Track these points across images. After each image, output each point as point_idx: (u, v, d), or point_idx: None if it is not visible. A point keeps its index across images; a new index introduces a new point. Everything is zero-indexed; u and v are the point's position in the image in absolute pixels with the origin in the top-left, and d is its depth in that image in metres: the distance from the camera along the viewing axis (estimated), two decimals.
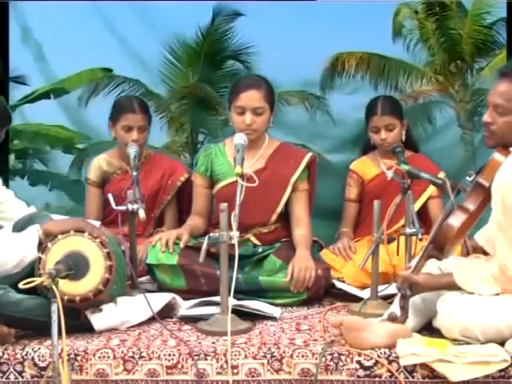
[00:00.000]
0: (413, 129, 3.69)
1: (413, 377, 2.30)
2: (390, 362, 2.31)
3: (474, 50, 8.53)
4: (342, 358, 2.34)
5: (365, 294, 3.02)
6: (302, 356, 2.36)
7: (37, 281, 2.20)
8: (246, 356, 2.37)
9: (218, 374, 2.36)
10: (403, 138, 3.49)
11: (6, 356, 2.40)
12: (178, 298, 2.90)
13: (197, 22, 7.81)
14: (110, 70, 7.76)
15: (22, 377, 2.39)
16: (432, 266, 2.53)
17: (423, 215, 3.40)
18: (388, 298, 2.85)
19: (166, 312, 2.82)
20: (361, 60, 7.66)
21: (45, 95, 7.59)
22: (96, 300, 2.56)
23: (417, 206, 3.29)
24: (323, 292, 3.13)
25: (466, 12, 8.65)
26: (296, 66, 7.10)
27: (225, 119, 7.81)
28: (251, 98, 3.15)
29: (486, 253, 2.61)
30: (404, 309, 2.43)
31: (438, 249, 2.44)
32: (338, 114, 7.52)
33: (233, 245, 2.54)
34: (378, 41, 7.59)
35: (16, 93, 7.53)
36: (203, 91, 7.90)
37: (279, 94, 7.53)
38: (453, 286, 2.41)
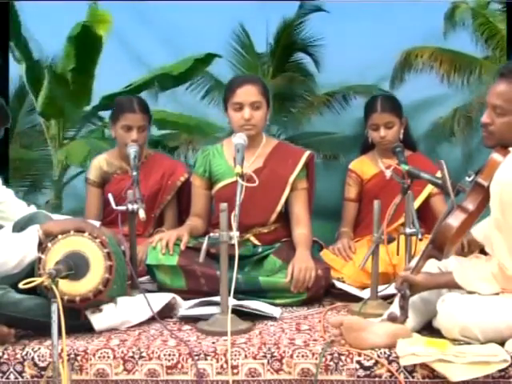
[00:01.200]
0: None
1: (413, 377, 2.31)
2: (390, 362, 2.31)
3: None
4: (342, 357, 2.34)
5: (365, 293, 3.02)
6: (302, 356, 2.36)
7: (37, 281, 2.20)
8: (246, 356, 2.37)
9: (218, 373, 2.36)
10: (401, 136, 3.49)
11: (6, 356, 2.40)
12: (178, 298, 2.90)
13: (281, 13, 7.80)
14: (219, 56, 7.76)
15: (22, 377, 2.39)
16: (432, 266, 2.53)
17: (423, 214, 3.40)
18: (388, 298, 2.86)
19: (166, 312, 2.82)
20: (433, 55, 7.63)
21: (149, 85, 7.49)
22: (96, 300, 2.56)
23: (416, 204, 3.28)
24: (323, 292, 3.14)
25: None
26: (365, 61, 7.12)
27: (296, 112, 7.84)
28: (248, 92, 3.15)
29: (484, 252, 2.61)
30: (404, 309, 2.44)
31: (438, 249, 2.44)
32: (408, 109, 7.51)
33: (233, 245, 2.55)
34: (448, 37, 7.60)
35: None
36: (278, 84, 7.95)
37: (348, 88, 7.55)
38: (452, 285, 2.42)
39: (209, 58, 7.27)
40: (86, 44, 6.63)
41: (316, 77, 7.91)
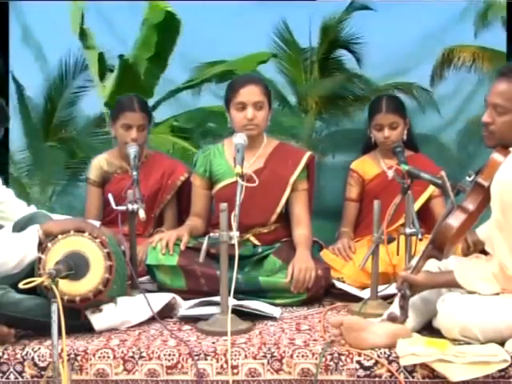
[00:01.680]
0: None
1: (413, 377, 2.31)
2: (390, 362, 2.31)
3: None
4: (342, 357, 2.34)
5: (365, 293, 3.02)
6: (302, 356, 2.36)
7: (37, 281, 2.21)
8: (246, 356, 2.37)
9: (218, 373, 2.36)
10: (405, 137, 3.49)
11: (6, 356, 2.40)
12: (178, 298, 2.90)
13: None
14: (275, 56, 7.83)
15: (22, 377, 2.39)
16: (432, 266, 2.53)
17: (424, 215, 3.40)
18: (388, 298, 2.85)
19: (166, 312, 2.82)
20: (474, 53, 7.57)
21: (208, 80, 7.54)
22: (96, 300, 2.56)
23: (417, 205, 3.29)
24: (323, 292, 3.13)
25: None
26: (406, 58, 7.14)
27: (339, 109, 7.85)
28: (251, 92, 3.15)
29: (485, 252, 2.61)
30: (404, 309, 2.44)
31: (438, 249, 2.44)
32: (446, 106, 7.47)
33: (233, 245, 2.54)
34: (481, 35, 7.62)
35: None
36: (323, 81, 7.99)
37: (389, 85, 7.56)
38: (453, 284, 2.42)
39: (267, 57, 7.37)
40: (167, 31, 6.71)
41: (358, 74, 7.94)
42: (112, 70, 7.56)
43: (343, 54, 8.31)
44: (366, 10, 7.69)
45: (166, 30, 6.73)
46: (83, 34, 7.30)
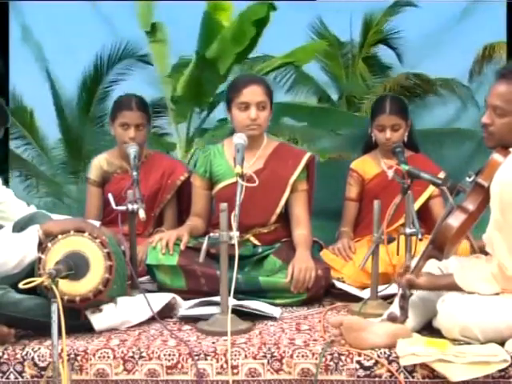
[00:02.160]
0: None
1: (413, 377, 2.31)
2: (390, 362, 2.32)
3: None
4: (342, 357, 2.34)
5: (365, 294, 3.02)
6: (302, 356, 2.36)
7: (37, 281, 2.21)
8: (246, 356, 2.37)
9: (218, 374, 2.37)
10: (405, 138, 3.48)
11: (6, 356, 2.40)
12: (178, 298, 2.90)
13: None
14: (328, 44, 7.87)
15: (22, 377, 2.39)
16: (432, 266, 2.53)
17: (424, 215, 3.40)
18: (388, 298, 2.86)
19: (166, 312, 2.82)
20: None
21: (265, 74, 7.55)
22: (96, 300, 2.56)
23: (417, 205, 3.29)
24: (323, 292, 3.13)
25: None
26: (445, 55, 7.14)
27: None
28: (254, 92, 3.15)
29: (486, 253, 2.61)
30: (404, 309, 2.44)
31: (438, 249, 2.44)
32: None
33: (233, 245, 2.55)
34: None
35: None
36: (358, 78, 8.02)
37: (429, 81, 7.55)
38: (453, 287, 2.42)
39: (324, 46, 7.39)
40: (263, 26, 6.79)
41: (397, 69, 7.92)
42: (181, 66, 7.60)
43: (384, 50, 8.31)
44: (408, 7, 7.72)
45: (262, 26, 6.80)
46: (154, 28, 7.43)
